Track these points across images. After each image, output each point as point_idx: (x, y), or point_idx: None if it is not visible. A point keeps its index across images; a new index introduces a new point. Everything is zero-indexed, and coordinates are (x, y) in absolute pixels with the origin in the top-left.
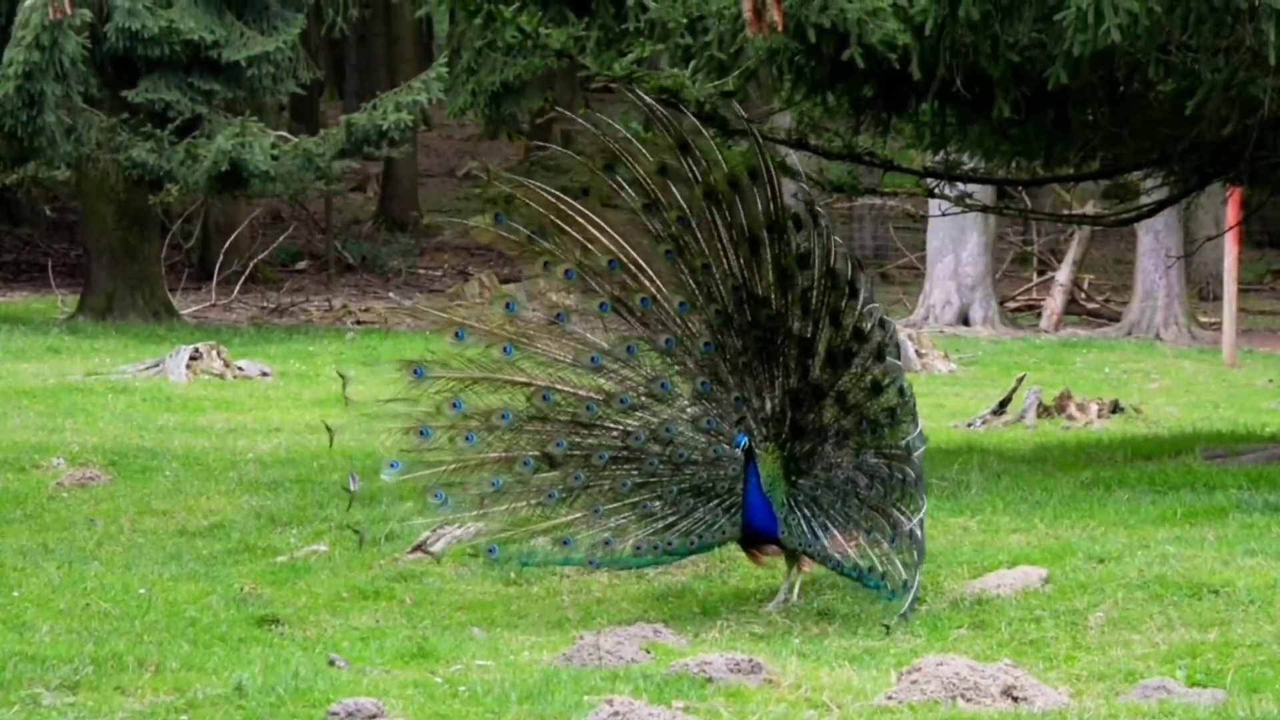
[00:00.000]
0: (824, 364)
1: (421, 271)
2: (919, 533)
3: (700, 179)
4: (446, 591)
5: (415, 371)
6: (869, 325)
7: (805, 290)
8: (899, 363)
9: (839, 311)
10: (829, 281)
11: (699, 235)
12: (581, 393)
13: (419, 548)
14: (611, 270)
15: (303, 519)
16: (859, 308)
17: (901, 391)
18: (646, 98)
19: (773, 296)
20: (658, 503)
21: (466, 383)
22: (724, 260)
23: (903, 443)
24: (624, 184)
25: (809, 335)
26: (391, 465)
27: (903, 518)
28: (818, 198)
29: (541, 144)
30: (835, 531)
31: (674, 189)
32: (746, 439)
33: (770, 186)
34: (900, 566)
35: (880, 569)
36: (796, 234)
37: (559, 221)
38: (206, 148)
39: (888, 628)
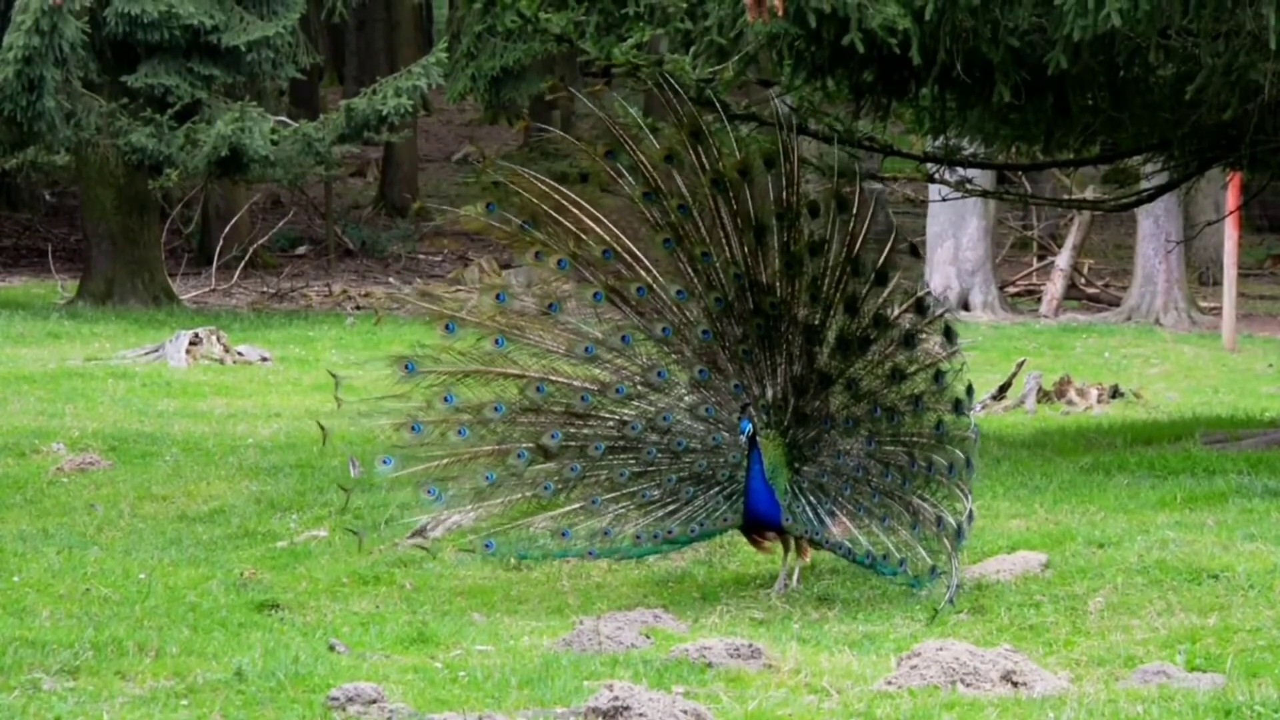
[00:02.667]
0: (833, 351)
1: (421, 257)
2: (949, 519)
3: (709, 167)
4: (446, 577)
5: (406, 367)
6: (894, 312)
7: (816, 278)
8: (942, 349)
9: (856, 298)
10: (848, 269)
11: (700, 223)
12: (576, 383)
13: (418, 534)
14: (606, 260)
15: (302, 504)
16: (884, 294)
17: (938, 378)
18: (672, 84)
19: (778, 284)
20: (656, 491)
21: (458, 376)
22: (726, 248)
23: (931, 430)
24: (624, 171)
25: (816, 323)
26: (384, 461)
27: (926, 505)
28: (869, 186)
29: (541, 126)
30: (844, 518)
31: (677, 176)
32: (750, 425)
33: (787, 175)
34: (925, 553)
35: (898, 555)
36: (811, 221)
37: (552, 211)
38: (206, 132)
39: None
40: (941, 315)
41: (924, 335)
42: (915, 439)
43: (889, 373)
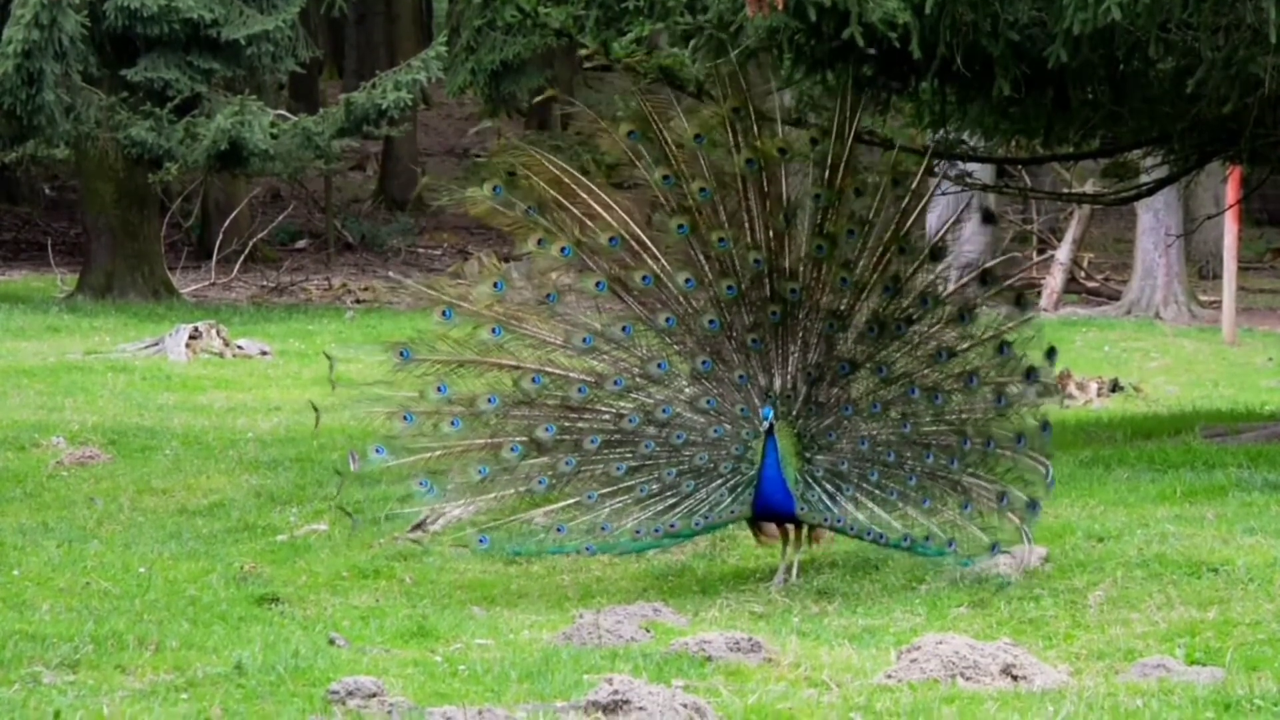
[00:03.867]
0: (862, 335)
1: (421, 250)
2: (1017, 494)
3: (746, 145)
4: (446, 570)
5: (401, 354)
6: (948, 288)
7: (849, 260)
8: (1012, 318)
9: (899, 278)
10: (894, 247)
11: (722, 207)
12: (573, 375)
13: (418, 528)
14: (612, 247)
15: (302, 498)
16: (938, 270)
17: (1001, 349)
18: (728, 53)
19: (803, 269)
20: (655, 485)
21: (452, 366)
22: (749, 232)
23: (990, 404)
24: (644, 153)
25: (843, 307)
26: (377, 451)
27: (982, 483)
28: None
29: (569, 99)
30: (870, 504)
31: (702, 158)
32: (772, 412)
33: (834, 154)
34: (979, 532)
35: (944, 536)
36: (855, 200)
37: (561, 197)
38: (206, 126)
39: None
40: (1009, 284)
41: (982, 308)
42: (967, 416)
43: (933, 352)
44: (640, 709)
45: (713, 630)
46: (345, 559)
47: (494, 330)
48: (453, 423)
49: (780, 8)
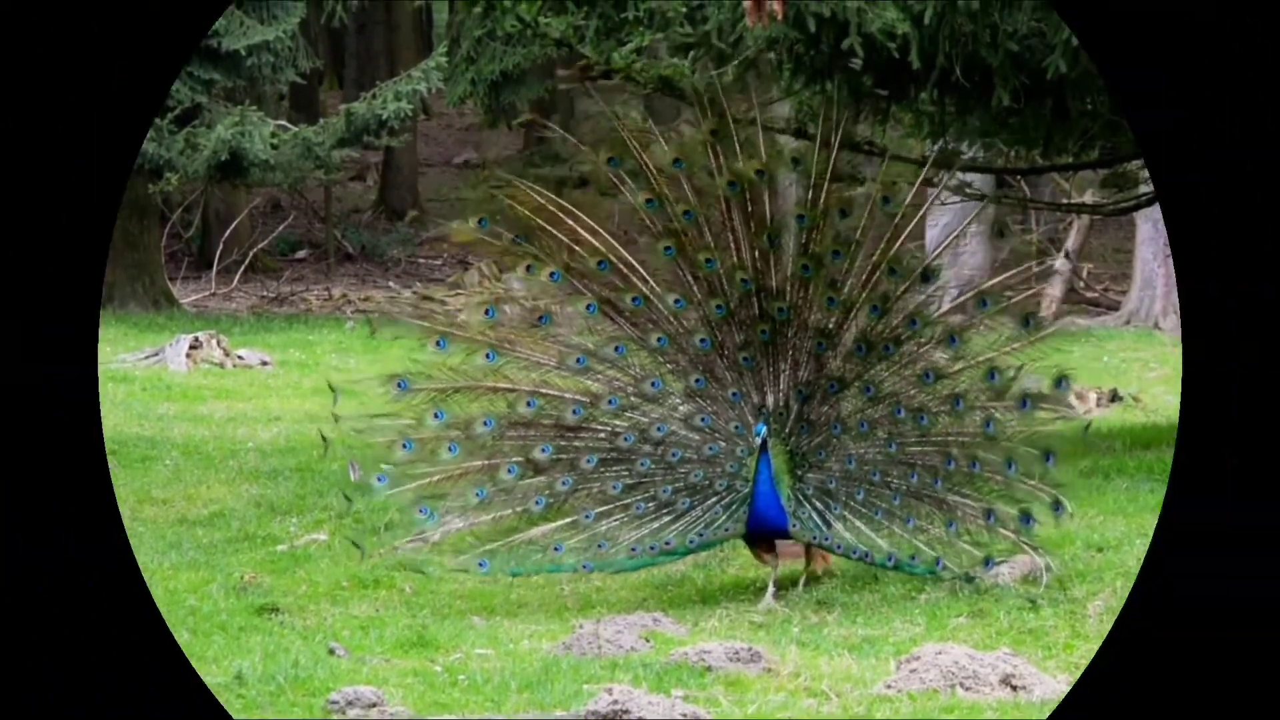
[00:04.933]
0: (850, 354)
1: (421, 260)
2: (1006, 509)
3: (727, 168)
4: (446, 580)
5: (399, 385)
6: (937, 309)
7: (836, 280)
8: (1010, 339)
9: (888, 298)
10: (884, 267)
11: (707, 228)
12: (567, 396)
13: (418, 538)
14: (600, 271)
15: (302, 508)
16: (929, 291)
17: (991, 375)
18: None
19: (789, 288)
20: (650, 504)
21: (448, 392)
22: (735, 253)
23: (978, 429)
24: (626, 177)
25: (830, 326)
26: (378, 480)
27: (968, 501)
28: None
29: (546, 123)
30: (857, 522)
31: (684, 181)
32: (765, 428)
33: (818, 170)
34: (970, 547)
35: (931, 553)
36: (840, 221)
37: (546, 224)
38: (206, 137)
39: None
40: (1013, 302)
41: (977, 330)
42: (953, 438)
43: (920, 373)
44: (640, 719)
45: (712, 640)
46: (345, 569)
47: (488, 355)
48: (450, 448)
49: (780, 18)
